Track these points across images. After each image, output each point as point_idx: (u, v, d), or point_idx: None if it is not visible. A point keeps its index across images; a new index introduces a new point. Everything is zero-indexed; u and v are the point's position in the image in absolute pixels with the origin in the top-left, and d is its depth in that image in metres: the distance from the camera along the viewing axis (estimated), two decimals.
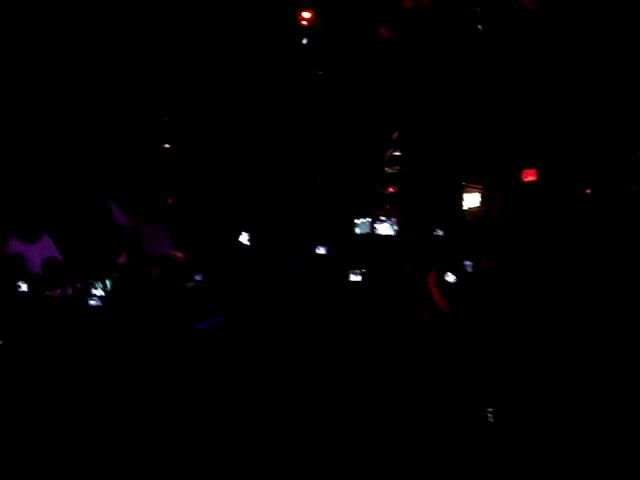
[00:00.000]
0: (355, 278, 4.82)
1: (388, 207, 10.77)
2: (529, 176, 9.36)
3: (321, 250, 5.91)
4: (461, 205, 10.46)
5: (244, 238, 5.35)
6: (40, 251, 8.11)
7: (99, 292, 4.42)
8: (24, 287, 6.68)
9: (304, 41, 10.02)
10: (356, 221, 4.83)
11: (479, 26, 9.16)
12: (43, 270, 7.89)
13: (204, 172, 11.44)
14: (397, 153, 11.88)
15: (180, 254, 8.22)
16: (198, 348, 4.53)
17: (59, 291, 7.68)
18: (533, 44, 8.82)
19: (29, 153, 10.02)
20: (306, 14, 9.72)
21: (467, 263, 5.30)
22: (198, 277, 6.42)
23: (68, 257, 8.27)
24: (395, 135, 11.53)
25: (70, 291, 7.75)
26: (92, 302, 4.71)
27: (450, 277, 4.70)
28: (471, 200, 10.98)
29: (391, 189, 11.92)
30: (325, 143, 10.88)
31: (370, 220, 4.89)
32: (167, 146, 11.79)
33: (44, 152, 10.09)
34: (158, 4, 9.38)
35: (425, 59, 9.04)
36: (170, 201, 11.42)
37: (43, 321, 6.31)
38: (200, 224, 10.61)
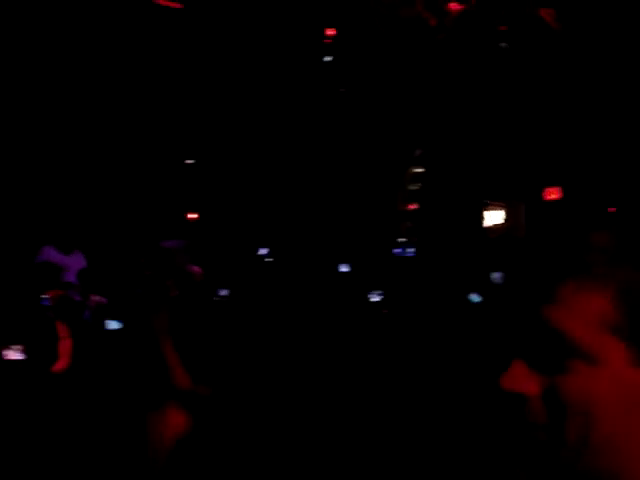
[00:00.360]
0: (375, 299, 4.80)
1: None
2: (552, 194, 9.33)
3: (344, 268, 5.89)
4: (483, 222, 10.45)
5: (263, 253, 5.34)
6: (75, 264, 8.17)
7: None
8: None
9: (327, 58, 10.07)
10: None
11: (503, 44, 9.17)
12: (79, 279, 7.94)
13: (225, 187, 11.49)
14: (419, 170, 11.91)
15: (197, 268, 8.20)
16: (221, 361, 4.52)
17: (97, 299, 7.74)
18: (557, 62, 8.81)
19: (64, 167, 10.16)
20: (330, 32, 9.79)
21: (495, 276, 5.25)
22: (223, 292, 6.42)
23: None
24: (417, 152, 11.56)
25: (100, 304, 7.82)
26: (112, 326, 4.71)
27: (475, 298, 4.67)
28: (494, 217, 10.98)
29: (413, 206, 11.94)
30: (347, 160, 10.90)
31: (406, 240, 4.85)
32: (190, 162, 11.86)
33: (78, 167, 10.23)
34: (186, 21, 9.47)
35: (448, 77, 9.05)
36: (190, 216, 11.48)
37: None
38: (221, 239, 10.65)
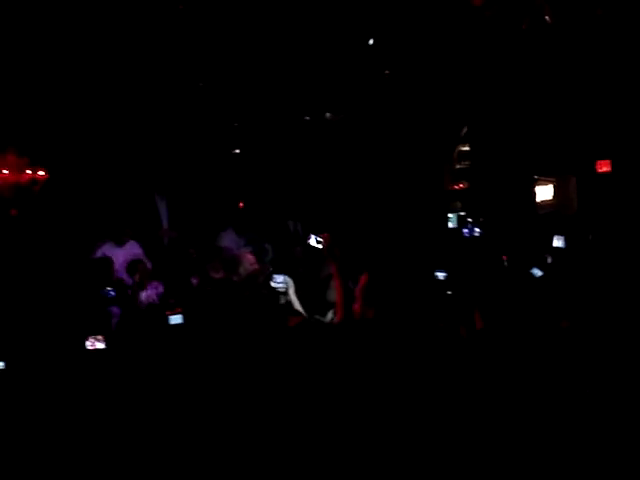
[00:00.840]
0: (440, 276, 4.81)
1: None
2: (603, 167, 9.23)
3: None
4: (534, 198, 10.39)
5: (313, 241, 5.37)
6: (126, 254, 8.33)
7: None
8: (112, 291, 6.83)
9: (370, 41, 10.06)
10: (449, 215, 4.78)
11: (547, 18, 9.09)
12: (127, 272, 8.06)
13: (273, 176, 11.58)
14: (466, 148, 11.87)
15: (251, 256, 8.26)
16: (283, 353, 4.56)
17: (144, 294, 7.88)
18: (602, 35, 8.72)
19: (117, 160, 10.35)
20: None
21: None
22: (279, 279, 6.48)
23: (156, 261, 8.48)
24: (464, 130, 11.51)
25: (155, 296, 7.95)
26: (174, 320, 4.81)
27: (537, 272, 4.67)
28: (544, 193, 10.90)
29: (461, 185, 11.91)
30: (394, 141, 10.91)
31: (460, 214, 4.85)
32: (237, 151, 11.97)
33: (128, 159, 10.42)
34: (228, 15, 9.54)
35: (494, 53, 9.00)
36: (241, 205, 11.60)
37: (132, 326, 6.47)
38: (274, 227, 10.76)
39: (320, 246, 5.39)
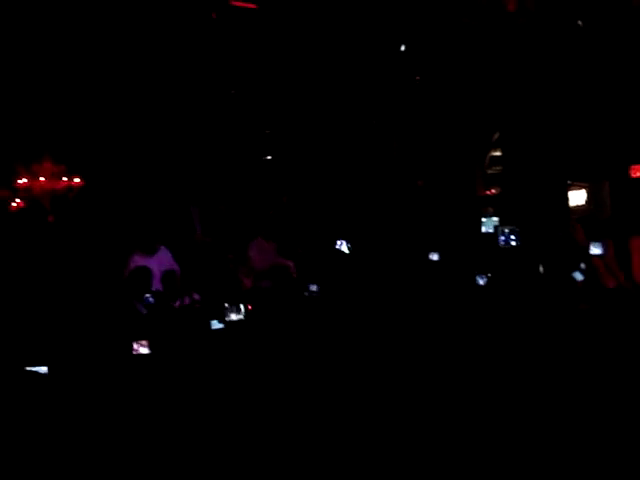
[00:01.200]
0: (481, 282, 4.84)
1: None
2: (638, 172, 9.19)
3: (434, 256, 5.90)
4: (567, 203, 10.35)
5: (344, 246, 5.38)
6: (159, 263, 8.38)
7: (234, 317, 4.55)
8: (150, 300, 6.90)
9: (402, 48, 10.10)
10: (483, 219, 4.79)
11: (579, 23, 9.07)
12: (162, 282, 8.12)
13: (306, 181, 11.64)
14: (498, 153, 11.85)
15: (290, 262, 8.31)
16: (319, 359, 4.63)
17: (178, 302, 7.95)
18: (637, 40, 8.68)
19: (151, 169, 10.47)
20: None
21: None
22: (313, 287, 6.49)
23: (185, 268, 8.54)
24: (496, 135, 11.50)
25: (187, 301, 8.02)
26: (216, 325, 4.87)
27: (578, 276, 4.69)
28: (577, 198, 10.85)
29: (493, 190, 11.89)
30: (425, 146, 10.92)
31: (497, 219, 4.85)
32: (269, 158, 12.06)
33: (162, 167, 10.53)
34: (261, 24, 9.63)
35: (527, 58, 8.99)
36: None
37: (169, 334, 6.54)
38: (304, 233, 10.80)
39: (348, 251, 5.41)
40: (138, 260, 8.49)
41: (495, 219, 5.08)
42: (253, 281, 9.05)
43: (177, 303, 7.99)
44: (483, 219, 5.05)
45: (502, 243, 4.63)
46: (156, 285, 8.31)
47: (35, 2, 9.17)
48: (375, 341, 4.64)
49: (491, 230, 4.95)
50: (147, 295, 6.71)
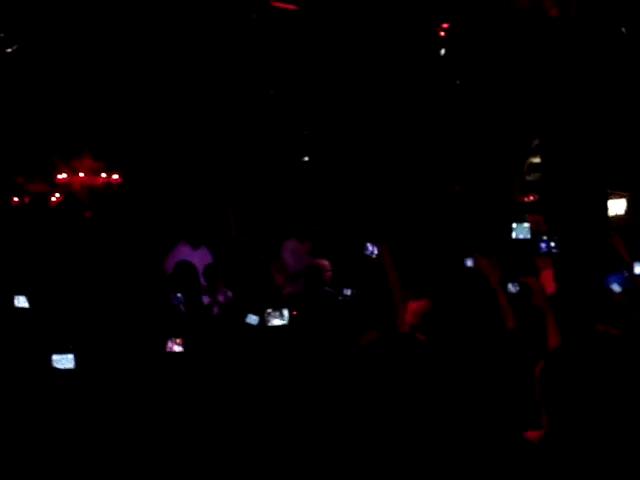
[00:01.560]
0: (513, 290, 4.77)
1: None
2: None
3: (469, 262, 5.85)
4: (606, 212, 10.22)
5: (368, 251, 5.31)
6: (202, 258, 8.43)
7: (277, 322, 4.53)
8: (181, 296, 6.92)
9: (442, 52, 10.05)
10: (513, 225, 4.68)
11: (623, 29, 8.95)
12: (205, 276, 8.15)
13: (342, 184, 11.63)
14: (537, 160, 11.74)
15: (325, 262, 8.28)
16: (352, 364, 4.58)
17: (221, 297, 8.00)
18: None
19: (188, 167, 10.56)
20: (445, 25, 9.77)
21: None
22: (347, 292, 6.44)
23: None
24: (535, 142, 11.40)
25: (222, 299, 8.06)
26: (251, 321, 4.85)
27: (616, 287, 4.59)
28: (616, 207, 10.73)
29: (531, 197, 11.79)
30: (464, 152, 10.86)
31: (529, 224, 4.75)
32: (306, 159, 12.08)
33: (199, 166, 10.61)
34: (300, 25, 9.65)
35: (568, 64, 8.90)
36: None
37: (208, 329, 6.54)
38: (337, 236, 10.79)
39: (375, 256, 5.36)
40: (183, 251, 8.53)
41: (526, 225, 4.96)
42: (287, 281, 9.08)
43: (221, 298, 8.03)
44: (514, 225, 4.93)
45: (543, 250, 4.55)
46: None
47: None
48: (407, 349, 4.58)
49: (524, 236, 4.86)
50: (178, 294, 6.71)
